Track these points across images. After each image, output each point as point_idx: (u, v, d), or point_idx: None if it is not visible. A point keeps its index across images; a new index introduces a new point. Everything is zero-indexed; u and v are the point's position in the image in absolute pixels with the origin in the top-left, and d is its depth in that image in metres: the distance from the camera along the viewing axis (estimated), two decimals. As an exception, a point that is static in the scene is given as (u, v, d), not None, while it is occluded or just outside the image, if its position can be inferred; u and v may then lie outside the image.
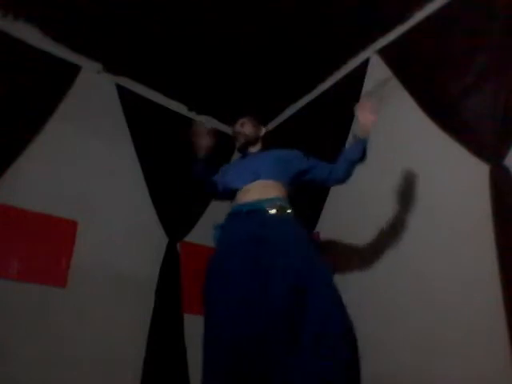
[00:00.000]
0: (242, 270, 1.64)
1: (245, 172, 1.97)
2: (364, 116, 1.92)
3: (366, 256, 2.44)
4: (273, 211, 1.77)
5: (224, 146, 3.48)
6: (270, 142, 2.21)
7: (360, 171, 2.64)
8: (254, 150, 2.13)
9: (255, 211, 1.79)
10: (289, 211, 1.82)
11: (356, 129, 1.93)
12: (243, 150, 2.14)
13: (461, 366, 1.84)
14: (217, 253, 1.82)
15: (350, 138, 1.96)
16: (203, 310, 1.74)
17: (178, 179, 3.18)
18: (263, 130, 2.18)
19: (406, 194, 2.33)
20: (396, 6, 2.55)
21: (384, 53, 2.72)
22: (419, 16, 2.54)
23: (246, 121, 2.14)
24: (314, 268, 1.64)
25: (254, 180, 1.90)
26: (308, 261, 1.65)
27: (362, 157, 1.93)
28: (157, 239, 2.97)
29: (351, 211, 2.65)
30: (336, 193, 2.76)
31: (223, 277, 1.69)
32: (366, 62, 2.84)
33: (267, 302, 1.56)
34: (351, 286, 2.49)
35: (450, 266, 2.01)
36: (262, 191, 1.85)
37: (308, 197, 2.89)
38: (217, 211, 2.99)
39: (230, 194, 1.98)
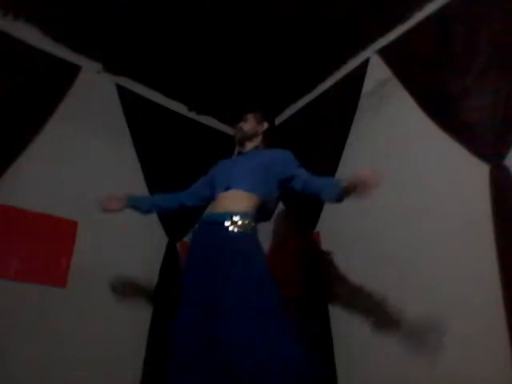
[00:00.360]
0: (196, 278, 1.75)
1: (224, 179, 2.00)
2: (364, 188, 1.61)
3: (365, 256, 2.44)
4: (231, 227, 1.78)
5: (224, 146, 3.51)
6: (270, 141, 2.21)
7: (360, 170, 2.65)
8: (250, 145, 2.13)
9: (217, 224, 1.81)
10: (250, 228, 1.81)
11: (349, 179, 1.65)
12: (240, 145, 2.17)
13: (461, 366, 1.85)
14: (187, 259, 1.90)
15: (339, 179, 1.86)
16: None
17: (178, 179, 3.18)
18: (265, 126, 2.17)
19: (406, 193, 2.33)
20: (396, 6, 2.55)
21: (384, 53, 2.72)
22: (419, 16, 2.54)
23: (250, 117, 2.16)
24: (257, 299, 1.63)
25: (227, 189, 1.92)
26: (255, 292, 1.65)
27: (337, 200, 1.76)
28: (157, 239, 2.97)
29: (351, 211, 2.64)
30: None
31: (185, 280, 1.82)
32: (366, 62, 2.84)
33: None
34: (351, 286, 2.50)
35: (450, 266, 2.02)
36: (231, 203, 1.86)
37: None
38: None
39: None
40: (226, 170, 2.08)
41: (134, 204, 2.18)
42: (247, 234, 1.79)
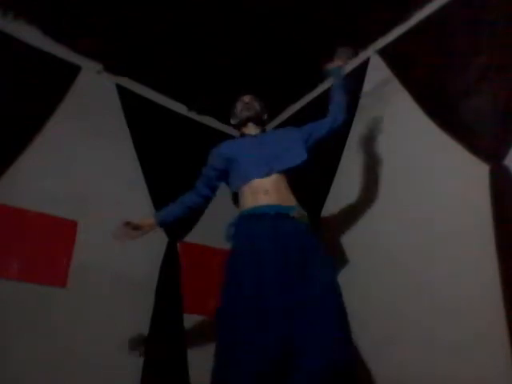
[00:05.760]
0: (274, 263, 1.61)
1: (260, 161, 1.84)
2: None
3: (365, 256, 2.44)
4: (297, 217, 1.74)
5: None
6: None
7: (360, 171, 2.65)
8: (255, 130, 2.07)
9: (282, 216, 1.71)
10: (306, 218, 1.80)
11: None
12: (244, 125, 2.08)
13: (461, 367, 1.84)
14: (241, 247, 1.72)
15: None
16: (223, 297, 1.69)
17: (178, 179, 3.18)
18: (265, 116, 2.16)
19: (406, 193, 2.33)
20: (396, 6, 2.55)
21: (384, 53, 2.72)
22: (419, 16, 2.54)
23: (254, 98, 2.13)
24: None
25: (269, 173, 1.80)
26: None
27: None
28: (157, 239, 2.96)
29: (351, 211, 2.64)
30: (338, 188, 2.76)
31: (254, 262, 1.64)
32: (366, 62, 2.84)
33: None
34: (351, 286, 2.50)
35: (450, 267, 2.01)
36: (280, 193, 1.78)
37: (311, 189, 2.88)
38: (217, 211, 3.00)
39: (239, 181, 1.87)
40: (255, 152, 1.90)
41: (163, 219, 2.06)
42: (307, 225, 1.76)
